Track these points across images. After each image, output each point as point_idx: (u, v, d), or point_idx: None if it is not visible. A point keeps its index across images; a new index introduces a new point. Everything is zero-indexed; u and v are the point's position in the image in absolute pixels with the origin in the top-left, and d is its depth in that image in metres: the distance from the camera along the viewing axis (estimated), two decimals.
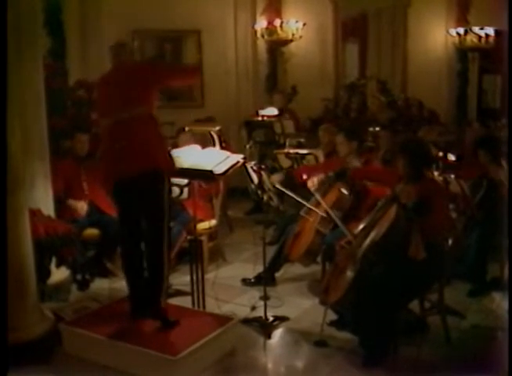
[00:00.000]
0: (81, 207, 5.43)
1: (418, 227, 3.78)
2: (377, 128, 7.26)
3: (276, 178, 5.33)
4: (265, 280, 4.69)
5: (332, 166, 5.21)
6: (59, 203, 5.22)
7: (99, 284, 5.19)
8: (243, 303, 4.78)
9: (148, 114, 3.96)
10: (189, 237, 4.84)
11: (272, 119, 7.52)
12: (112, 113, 3.96)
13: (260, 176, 4.68)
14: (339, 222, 4.18)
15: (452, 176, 4.87)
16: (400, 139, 5.60)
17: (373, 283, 3.72)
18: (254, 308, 4.61)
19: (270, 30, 8.94)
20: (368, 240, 3.89)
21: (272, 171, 5.85)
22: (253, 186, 5.07)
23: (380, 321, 3.74)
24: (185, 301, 4.57)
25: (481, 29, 9.75)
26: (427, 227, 3.79)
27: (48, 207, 4.70)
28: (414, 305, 4.18)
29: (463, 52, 10.11)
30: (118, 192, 4.07)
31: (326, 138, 6.59)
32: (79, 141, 5.60)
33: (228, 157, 4.23)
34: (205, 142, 5.00)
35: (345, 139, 5.18)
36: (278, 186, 4.83)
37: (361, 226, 4.03)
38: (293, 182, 5.47)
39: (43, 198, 4.69)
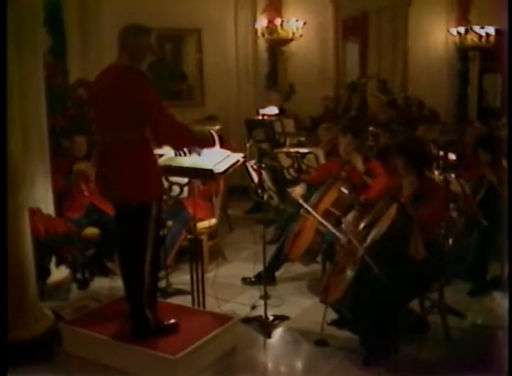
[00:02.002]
0: (91, 170, 5.37)
1: (418, 226, 3.78)
2: (377, 127, 7.26)
3: (299, 190, 5.24)
4: (265, 279, 4.69)
5: (335, 168, 5.20)
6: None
7: (99, 283, 5.18)
8: (243, 302, 4.77)
9: (141, 138, 3.67)
10: (189, 236, 4.83)
11: (273, 118, 7.53)
12: (104, 132, 3.72)
13: (260, 175, 4.67)
14: (331, 228, 4.15)
15: (453, 176, 4.87)
16: (398, 139, 5.58)
17: (373, 283, 3.72)
18: (254, 307, 4.61)
19: (270, 29, 8.96)
20: (368, 240, 3.89)
21: (271, 170, 5.84)
22: (253, 185, 5.07)
23: (380, 320, 3.74)
24: (185, 301, 4.57)
25: (482, 28, 9.77)
26: (425, 224, 3.79)
27: (48, 206, 4.69)
28: (414, 304, 4.17)
29: (463, 51, 10.13)
30: (114, 210, 3.95)
31: (327, 137, 6.59)
32: (76, 143, 5.60)
33: (228, 156, 4.21)
34: None
35: (352, 140, 5.12)
36: (301, 201, 4.78)
37: (361, 225, 4.03)
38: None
39: (43, 197, 4.69)
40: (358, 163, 5.06)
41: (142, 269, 3.76)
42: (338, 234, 4.04)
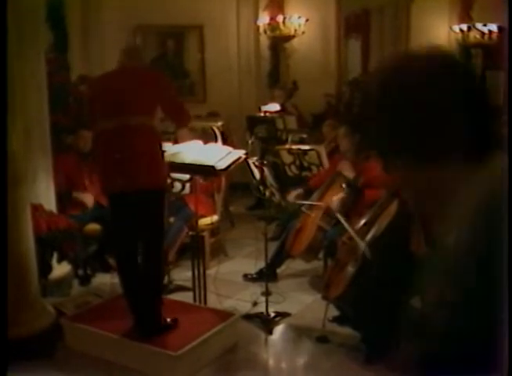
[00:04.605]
0: (89, 198, 5.41)
1: (418, 221, 3.78)
2: None
3: (295, 194, 5.32)
4: (267, 275, 4.69)
5: (336, 165, 5.19)
6: (65, 197, 5.22)
7: (101, 279, 5.20)
8: (244, 299, 4.78)
9: (151, 126, 3.77)
10: (190, 233, 4.84)
11: (274, 115, 7.52)
12: (114, 117, 3.73)
13: (262, 172, 4.67)
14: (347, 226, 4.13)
15: None
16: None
17: (375, 279, 3.72)
18: (255, 303, 4.61)
19: (272, 25, 8.93)
20: (369, 236, 3.89)
21: (273, 166, 5.84)
22: (255, 182, 5.07)
23: (381, 317, 3.74)
24: (186, 297, 4.57)
25: (484, 25, 9.75)
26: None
27: (49, 202, 4.70)
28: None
29: (466, 49, 10.10)
30: (115, 203, 3.91)
31: (331, 134, 6.57)
32: (82, 137, 5.58)
33: (230, 152, 4.22)
34: (204, 137, 4.99)
35: (347, 132, 5.13)
36: (298, 201, 4.98)
37: (362, 222, 4.03)
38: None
39: (45, 193, 4.69)
40: (348, 171, 5.01)
41: (160, 259, 3.84)
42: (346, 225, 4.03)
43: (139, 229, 3.81)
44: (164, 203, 3.83)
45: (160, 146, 3.84)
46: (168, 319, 3.90)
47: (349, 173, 4.97)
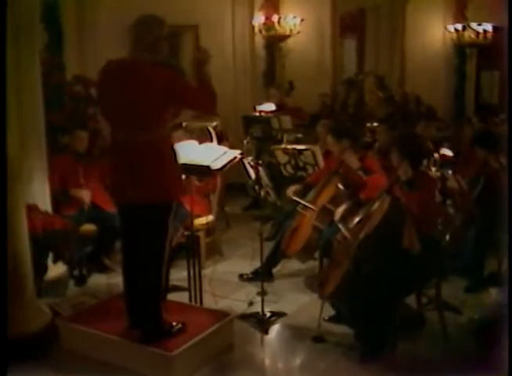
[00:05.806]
0: (86, 194, 5.38)
1: (410, 217, 3.79)
2: (375, 124, 7.26)
3: (293, 189, 5.34)
4: (262, 275, 4.69)
5: (332, 165, 5.19)
6: (62, 194, 5.22)
7: (97, 280, 5.19)
8: (240, 299, 4.78)
9: (165, 137, 3.62)
10: (186, 233, 4.83)
11: (270, 114, 7.53)
12: (126, 129, 3.55)
13: (257, 172, 4.67)
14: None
15: (450, 172, 4.87)
16: (395, 133, 5.60)
17: (368, 276, 3.73)
18: (251, 303, 4.62)
19: (268, 25, 8.94)
20: (362, 233, 3.89)
21: (269, 166, 5.84)
22: (250, 182, 5.07)
23: (375, 314, 3.74)
24: (182, 297, 4.57)
25: (479, 25, 9.79)
26: (415, 212, 3.79)
27: (45, 203, 4.69)
28: (411, 300, 4.18)
29: (460, 48, 10.15)
30: (123, 214, 3.79)
31: (325, 134, 6.58)
32: (78, 138, 5.56)
33: (225, 152, 4.22)
34: (201, 138, 4.98)
35: (334, 140, 5.15)
36: (295, 198, 5.02)
37: (356, 220, 4.03)
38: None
39: (40, 193, 4.68)
40: (353, 161, 5.01)
41: (161, 269, 3.73)
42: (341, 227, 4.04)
43: (144, 236, 3.68)
44: (171, 213, 3.67)
45: (173, 156, 3.68)
46: (174, 323, 3.83)
47: (353, 163, 4.96)
